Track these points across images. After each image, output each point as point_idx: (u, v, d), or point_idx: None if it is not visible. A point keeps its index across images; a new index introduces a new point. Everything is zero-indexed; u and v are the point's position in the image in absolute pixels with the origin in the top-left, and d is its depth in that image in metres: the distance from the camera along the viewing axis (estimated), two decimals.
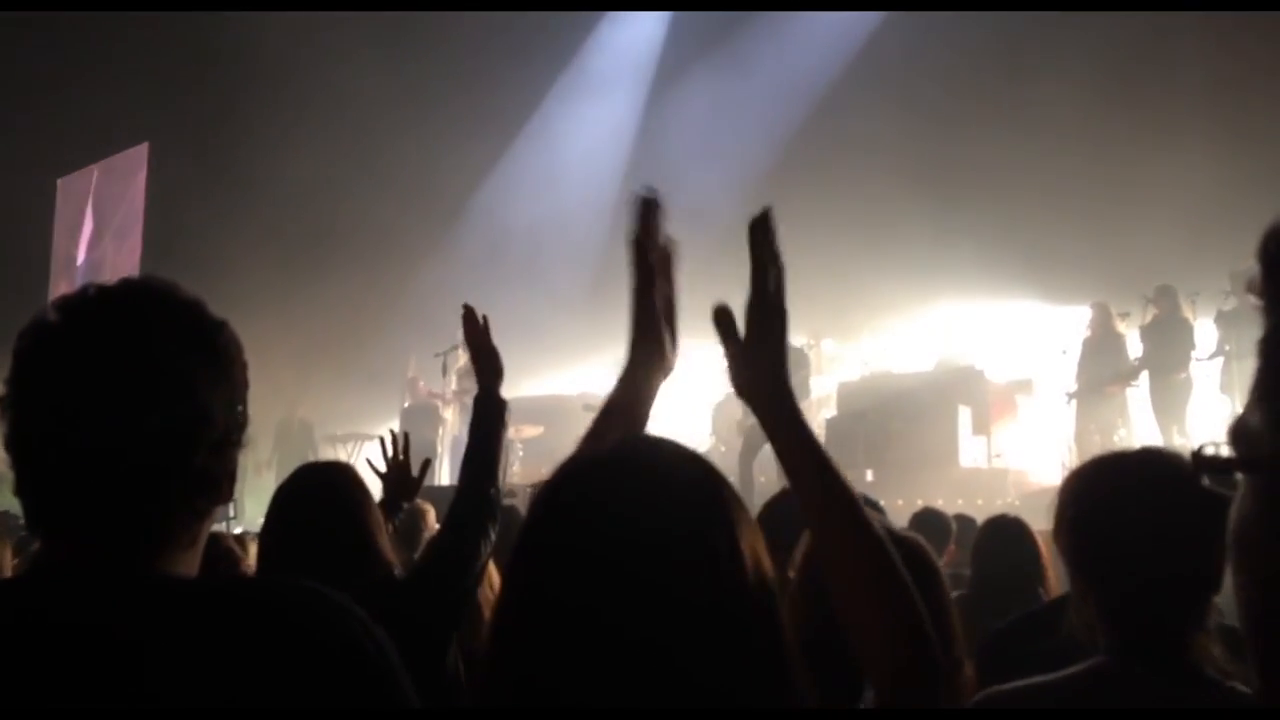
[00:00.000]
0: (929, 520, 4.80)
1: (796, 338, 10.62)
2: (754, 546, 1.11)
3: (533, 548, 1.12)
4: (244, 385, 1.27)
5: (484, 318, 2.70)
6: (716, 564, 1.07)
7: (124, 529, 1.16)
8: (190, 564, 1.22)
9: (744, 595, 1.07)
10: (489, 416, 2.68)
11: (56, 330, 1.18)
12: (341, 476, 2.55)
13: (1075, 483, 1.72)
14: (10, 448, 1.17)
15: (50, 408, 1.16)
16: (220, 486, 1.22)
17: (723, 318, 1.47)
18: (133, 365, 1.17)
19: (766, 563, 1.11)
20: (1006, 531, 3.60)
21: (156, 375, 1.18)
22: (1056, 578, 3.07)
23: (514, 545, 1.13)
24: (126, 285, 1.24)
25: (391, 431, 2.82)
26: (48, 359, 1.18)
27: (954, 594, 2.43)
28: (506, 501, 7.85)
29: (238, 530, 10.36)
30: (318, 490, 2.49)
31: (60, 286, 18.62)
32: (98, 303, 1.20)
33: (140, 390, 1.16)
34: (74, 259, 18.75)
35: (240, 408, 1.25)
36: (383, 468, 3.20)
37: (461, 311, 2.68)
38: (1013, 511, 9.36)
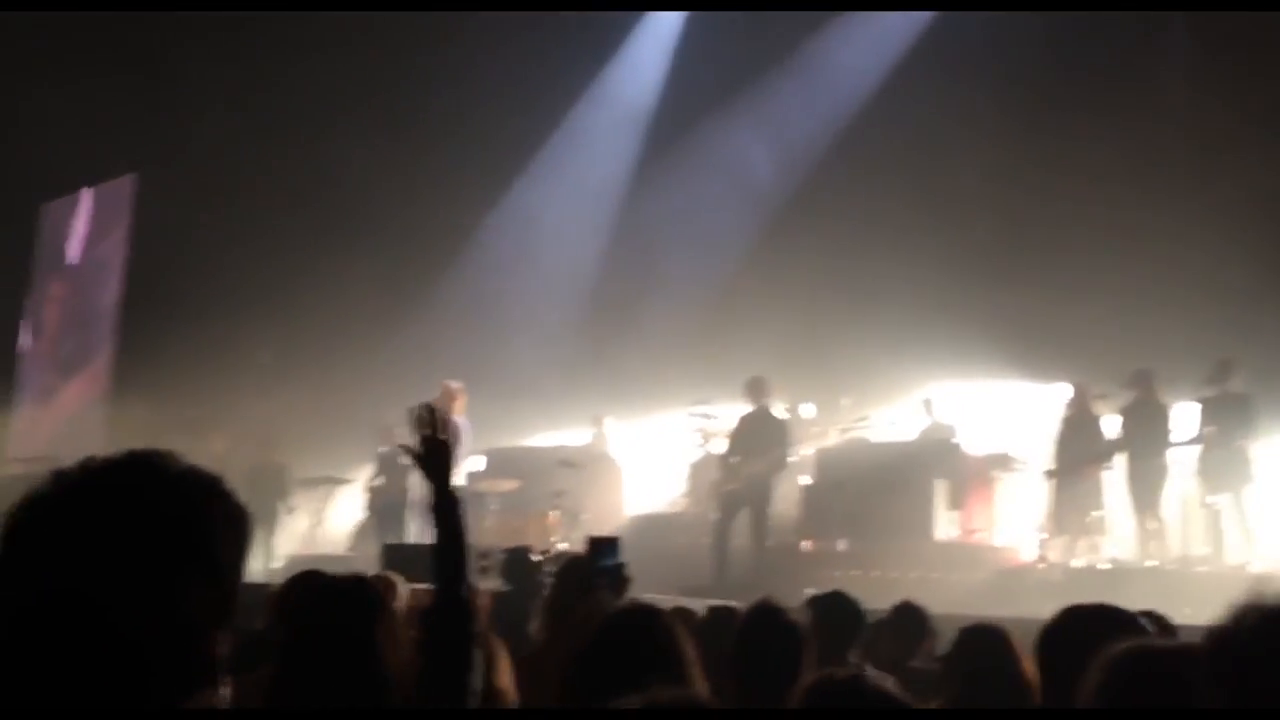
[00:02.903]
0: (907, 616, 4.78)
1: (777, 406, 10.63)
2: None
3: None
4: (233, 563, 1.28)
5: (436, 413, 2.57)
6: None
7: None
8: None
9: None
10: (449, 516, 2.50)
11: (49, 506, 1.22)
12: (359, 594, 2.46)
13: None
14: None
15: (33, 582, 1.18)
16: (198, 673, 1.22)
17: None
18: (113, 551, 1.19)
19: None
20: (987, 646, 3.35)
21: (136, 559, 1.20)
22: (1037, 687, 2.97)
23: None
24: (121, 463, 1.27)
25: (426, 405, 2.55)
26: (36, 535, 1.20)
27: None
28: (481, 564, 7.74)
29: None
30: (332, 607, 2.39)
31: (50, 291, 18.51)
32: (90, 482, 1.24)
33: (119, 575, 1.18)
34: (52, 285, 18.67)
35: (226, 585, 1.26)
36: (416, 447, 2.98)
37: (414, 410, 2.57)
38: (987, 587, 9.35)
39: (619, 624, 2.38)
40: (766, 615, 2.99)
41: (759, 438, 9.90)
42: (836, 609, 4.06)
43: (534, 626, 3.83)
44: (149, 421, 13.89)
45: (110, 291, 17.49)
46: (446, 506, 2.50)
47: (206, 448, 13.37)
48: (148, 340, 14.76)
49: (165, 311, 14.75)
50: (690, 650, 2.35)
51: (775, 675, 2.59)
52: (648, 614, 2.42)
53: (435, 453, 2.53)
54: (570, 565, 3.93)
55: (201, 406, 13.62)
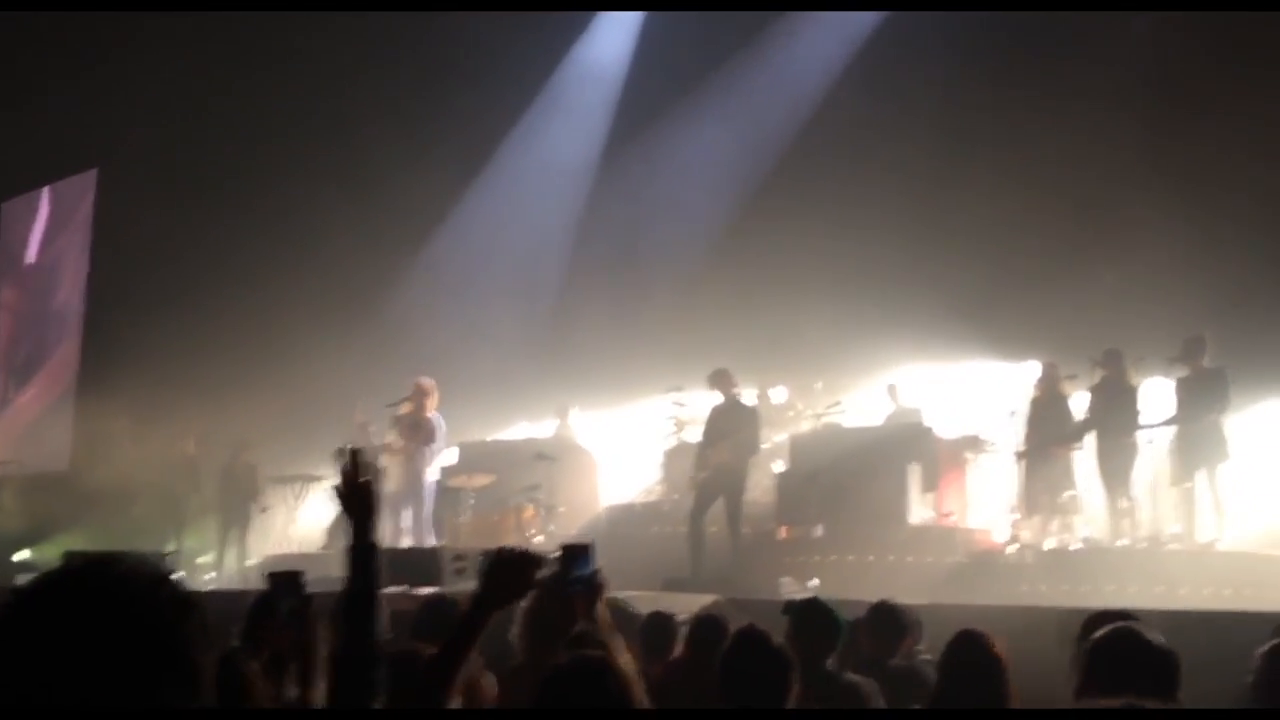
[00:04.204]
0: (886, 615, 4.79)
1: (747, 392, 10.65)
2: None
3: None
4: (202, 657, 1.29)
5: (359, 456, 2.51)
6: None
7: None
8: None
9: None
10: (366, 563, 2.42)
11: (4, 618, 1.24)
12: None
13: None
14: None
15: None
16: None
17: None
18: (70, 664, 1.20)
19: None
20: (974, 652, 3.47)
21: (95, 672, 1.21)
22: (1017, 692, 3.03)
23: None
24: (86, 573, 1.27)
25: (351, 449, 2.55)
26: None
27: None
28: (456, 565, 7.67)
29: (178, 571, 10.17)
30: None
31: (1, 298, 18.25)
32: (50, 594, 1.25)
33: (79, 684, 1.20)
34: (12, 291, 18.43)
35: (198, 680, 1.27)
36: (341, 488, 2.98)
37: (340, 456, 2.50)
38: (961, 570, 9.41)
39: (566, 679, 2.30)
40: (751, 643, 2.99)
41: (729, 427, 9.92)
42: (813, 617, 4.09)
43: (513, 633, 3.84)
44: (115, 424, 13.77)
45: (67, 291, 17.25)
46: (364, 553, 2.43)
47: (177, 449, 13.29)
48: (111, 339, 14.62)
49: (128, 310, 14.62)
50: (641, 698, 2.29)
51: (761, 701, 2.63)
52: (596, 671, 2.33)
53: (357, 496, 2.46)
54: (548, 576, 3.95)
55: (170, 407, 13.49)
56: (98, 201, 16.86)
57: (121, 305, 15.43)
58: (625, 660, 2.62)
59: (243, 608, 3.80)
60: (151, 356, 13.88)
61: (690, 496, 10.15)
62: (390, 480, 10.47)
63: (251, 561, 12.51)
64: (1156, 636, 2.83)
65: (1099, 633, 2.91)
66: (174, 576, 1.30)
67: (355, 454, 2.50)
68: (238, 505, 12.77)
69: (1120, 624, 2.97)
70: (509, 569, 2.33)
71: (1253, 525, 9.74)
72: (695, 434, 11.64)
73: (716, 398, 10.19)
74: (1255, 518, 9.83)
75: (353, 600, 2.39)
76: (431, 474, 10.60)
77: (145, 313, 14.52)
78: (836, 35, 13.00)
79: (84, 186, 17.13)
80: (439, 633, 3.23)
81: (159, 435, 13.37)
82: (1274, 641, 3.50)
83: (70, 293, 17.26)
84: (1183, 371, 9.59)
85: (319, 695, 2.74)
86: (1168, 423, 9.65)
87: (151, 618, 1.25)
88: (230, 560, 12.73)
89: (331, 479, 2.51)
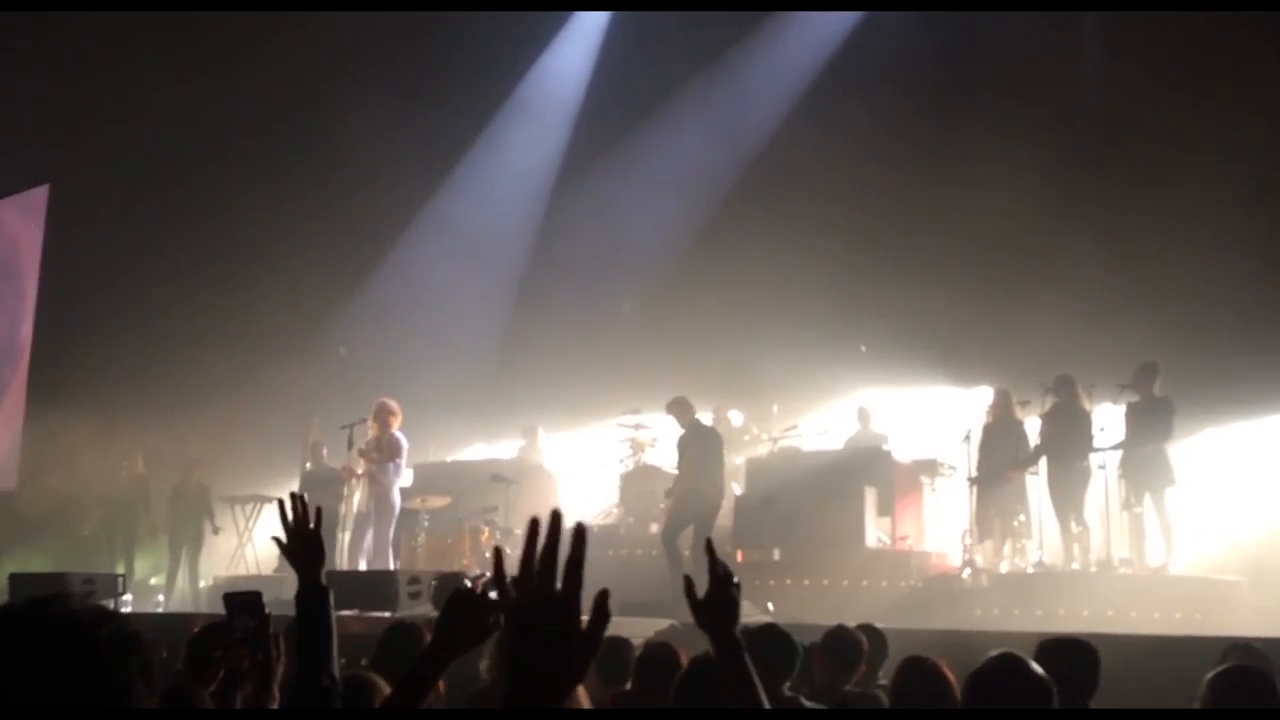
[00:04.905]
0: (841, 640, 4.79)
1: (703, 413, 10.68)
2: None
3: None
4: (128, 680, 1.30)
5: (305, 506, 2.50)
6: None
7: None
8: None
9: None
10: (317, 613, 2.42)
11: None
12: None
13: None
14: None
15: None
16: None
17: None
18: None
19: None
20: (924, 676, 3.49)
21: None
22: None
23: None
24: (26, 613, 1.29)
25: (293, 495, 2.59)
26: None
27: None
28: (411, 590, 7.60)
29: (127, 606, 9.99)
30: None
31: None
32: None
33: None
34: None
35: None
36: (284, 538, 2.99)
37: (287, 501, 2.49)
38: (916, 593, 9.46)
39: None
40: (705, 672, 2.95)
41: (689, 451, 9.98)
42: (769, 643, 4.07)
43: (484, 666, 3.80)
44: (64, 443, 13.55)
45: (14, 309, 16.95)
46: (314, 601, 2.42)
47: (126, 468, 13.09)
48: (59, 358, 14.40)
49: (78, 328, 14.42)
50: None
51: None
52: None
53: (304, 544, 2.45)
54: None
55: (119, 426, 13.30)
56: (49, 218, 16.63)
57: (70, 324, 15.22)
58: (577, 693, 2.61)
59: (184, 629, 3.76)
60: (101, 375, 13.71)
61: (648, 517, 10.12)
62: (358, 501, 10.41)
63: (204, 584, 12.34)
64: (1035, 667, 2.86)
65: (981, 663, 2.93)
66: (116, 613, 1.31)
67: (299, 501, 2.48)
68: (189, 525, 12.60)
69: (1003, 652, 2.99)
70: (466, 613, 2.22)
71: (1201, 550, 9.90)
72: (653, 457, 11.65)
73: (674, 425, 10.23)
74: (1203, 543, 10.00)
75: (306, 648, 2.39)
76: (398, 496, 10.52)
77: (94, 331, 14.34)
78: (791, 63, 13.18)
79: (35, 203, 16.89)
80: (399, 664, 3.19)
81: (108, 454, 13.18)
82: (1220, 667, 3.56)
83: (17, 311, 16.99)
84: (1133, 397, 9.75)
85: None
86: (1116, 447, 9.79)
87: (91, 658, 1.26)
88: (181, 581, 12.55)
89: (280, 506, 2.50)
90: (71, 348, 14.82)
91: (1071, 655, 3.66)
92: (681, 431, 10.12)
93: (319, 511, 2.49)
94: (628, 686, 4.63)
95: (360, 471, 10.49)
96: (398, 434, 10.42)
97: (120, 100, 14.44)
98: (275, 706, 2.67)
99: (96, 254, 14.86)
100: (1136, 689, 4.71)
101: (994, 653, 2.87)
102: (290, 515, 2.46)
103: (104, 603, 8.40)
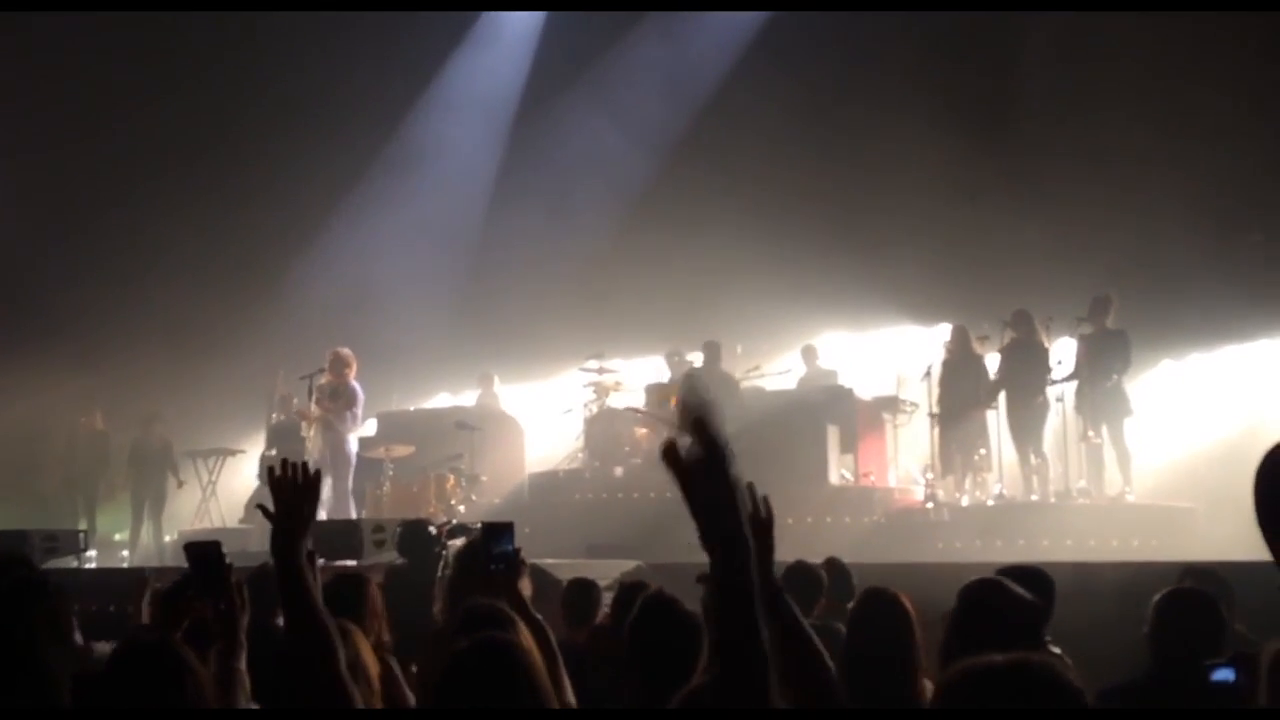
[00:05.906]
0: (800, 575, 4.80)
1: (662, 358, 10.75)
2: None
3: None
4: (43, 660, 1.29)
5: (299, 469, 2.45)
6: None
7: None
8: None
9: None
10: (295, 580, 2.40)
11: None
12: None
13: None
14: None
15: None
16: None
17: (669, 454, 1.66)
18: None
19: None
20: (882, 608, 3.49)
21: None
22: (928, 656, 3.09)
23: None
24: None
25: (285, 461, 2.46)
26: None
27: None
28: (376, 537, 7.60)
29: (91, 562, 9.92)
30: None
31: None
32: None
33: None
34: None
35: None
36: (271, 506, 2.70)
37: (279, 470, 2.45)
38: (880, 529, 9.57)
39: (466, 664, 2.21)
40: (659, 609, 2.92)
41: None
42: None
43: (437, 609, 3.80)
44: (25, 401, 13.34)
45: None
46: (293, 567, 2.39)
47: (84, 424, 12.94)
48: (14, 312, 14.11)
49: (37, 278, 14.10)
50: (544, 683, 2.25)
51: (671, 669, 2.62)
52: (498, 651, 2.24)
53: (297, 509, 2.43)
54: (468, 550, 3.91)
55: (77, 381, 13.11)
56: None
57: (26, 277, 14.91)
58: (528, 640, 2.61)
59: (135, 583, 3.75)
60: (59, 331, 13.46)
61: (612, 460, 10.16)
62: (314, 449, 10.34)
63: (168, 538, 12.27)
64: (1020, 590, 2.93)
65: (965, 586, 2.98)
66: (21, 560, 1.30)
67: (296, 469, 2.45)
68: (151, 480, 12.49)
69: (986, 578, 3.05)
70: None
71: (1157, 479, 10.10)
72: (617, 400, 11.67)
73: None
74: (1159, 472, 10.19)
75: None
76: (354, 444, 10.48)
77: (50, 284, 14.06)
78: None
79: None
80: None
81: (66, 410, 13.01)
82: (1166, 590, 3.64)
83: None
84: (1087, 329, 9.85)
85: (241, 663, 2.72)
86: (1070, 378, 9.91)
87: None
88: (145, 536, 12.47)
89: (251, 460, 2.49)
90: (26, 303, 14.49)
91: (1026, 583, 3.73)
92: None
93: (318, 474, 2.47)
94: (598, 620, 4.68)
95: (316, 414, 10.41)
96: (354, 383, 10.36)
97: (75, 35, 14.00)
98: (243, 654, 2.67)
99: (54, 202, 14.44)
100: (1097, 613, 4.82)
101: (974, 579, 2.94)
102: (285, 482, 2.43)
103: (67, 560, 8.34)
